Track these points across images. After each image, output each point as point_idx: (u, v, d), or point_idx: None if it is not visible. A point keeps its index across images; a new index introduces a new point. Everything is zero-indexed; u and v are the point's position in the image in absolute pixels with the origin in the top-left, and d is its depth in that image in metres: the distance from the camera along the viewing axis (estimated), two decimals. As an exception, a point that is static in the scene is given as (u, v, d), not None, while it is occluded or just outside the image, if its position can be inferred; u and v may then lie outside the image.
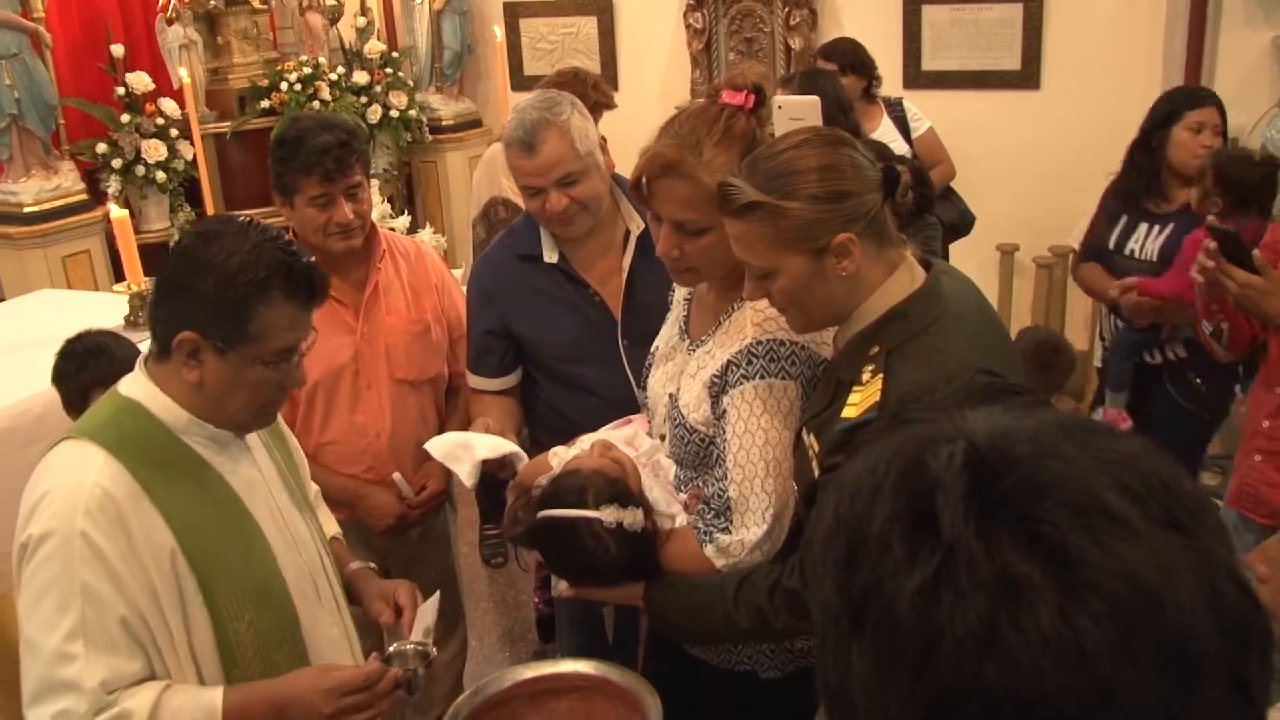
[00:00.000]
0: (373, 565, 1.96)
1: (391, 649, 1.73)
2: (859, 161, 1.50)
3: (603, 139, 2.25)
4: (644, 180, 1.69)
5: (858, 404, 1.45)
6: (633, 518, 1.66)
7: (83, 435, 1.53)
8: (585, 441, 1.93)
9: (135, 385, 1.58)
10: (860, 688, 0.61)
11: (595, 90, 3.35)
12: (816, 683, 0.69)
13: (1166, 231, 3.11)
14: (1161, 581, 0.55)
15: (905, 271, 1.53)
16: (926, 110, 4.16)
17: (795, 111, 2.74)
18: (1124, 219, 3.22)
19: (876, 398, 1.42)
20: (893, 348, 1.47)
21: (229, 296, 1.48)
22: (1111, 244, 3.23)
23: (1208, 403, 3.15)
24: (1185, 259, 2.84)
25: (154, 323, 1.57)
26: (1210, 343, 2.57)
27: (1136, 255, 3.16)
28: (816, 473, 1.52)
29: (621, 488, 1.70)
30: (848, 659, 0.62)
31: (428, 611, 1.81)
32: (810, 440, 1.55)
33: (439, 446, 2.04)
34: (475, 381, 2.41)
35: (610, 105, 3.47)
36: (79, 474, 1.48)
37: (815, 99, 2.82)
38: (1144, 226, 3.17)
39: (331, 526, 1.99)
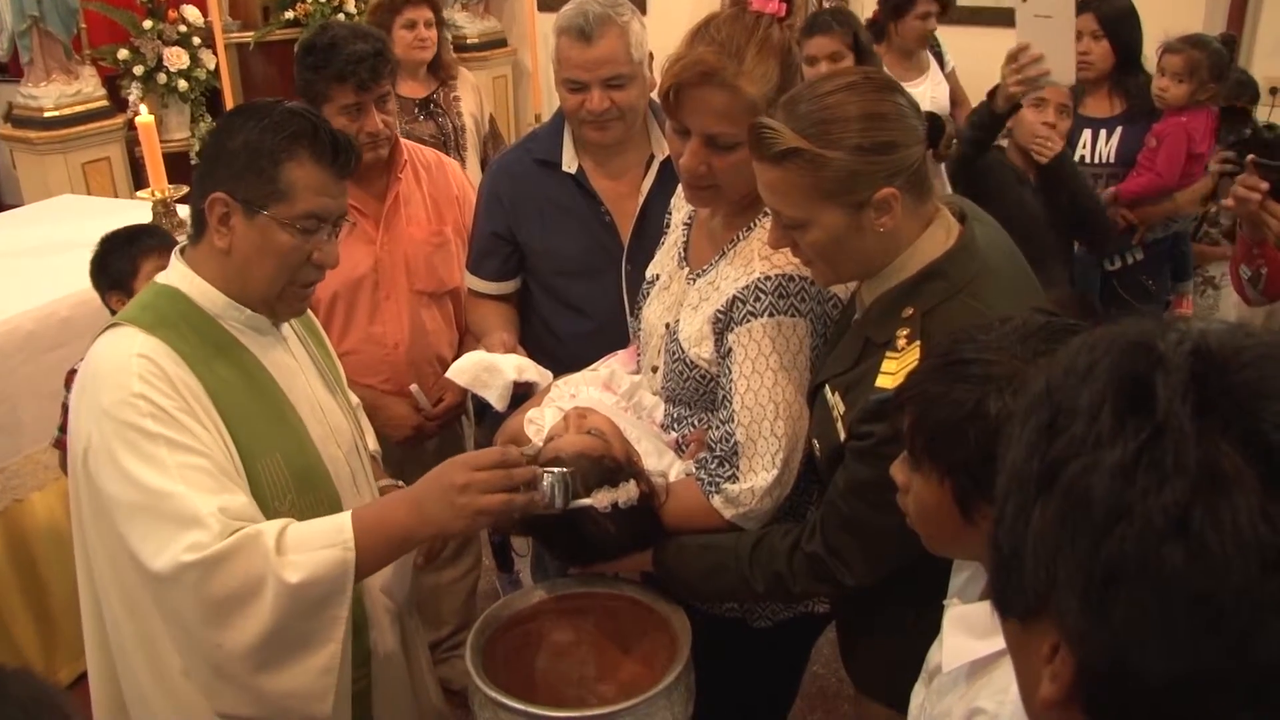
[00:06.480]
0: (400, 483, 1.93)
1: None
2: (905, 111, 1.42)
3: (650, 55, 2.19)
4: (675, 89, 1.58)
5: (894, 373, 1.38)
6: (627, 494, 1.57)
7: (121, 321, 1.55)
8: (560, 391, 1.85)
9: (171, 273, 1.60)
10: (1033, 552, 0.62)
11: None
12: (987, 550, 0.68)
13: (1116, 135, 3.25)
14: None
15: (941, 226, 1.47)
16: (960, 48, 4.09)
17: (1042, 7, 2.48)
18: None
19: (915, 366, 1.35)
20: (928, 309, 1.40)
21: (257, 152, 1.51)
22: None
23: (1155, 300, 3.34)
24: (1171, 149, 3.10)
25: (192, 198, 1.59)
26: (1245, 288, 2.53)
27: (1089, 161, 3.27)
28: (842, 436, 1.46)
29: (608, 464, 1.60)
30: (1026, 523, 0.62)
31: None
32: (835, 399, 1.49)
33: (463, 373, 1.99)
34: (473, 283, 2.38)
35: None
36: (122, 351, 1.48)
37: None
38: (1088, 132, 3.28)
39: (371, 443, 1.98)
